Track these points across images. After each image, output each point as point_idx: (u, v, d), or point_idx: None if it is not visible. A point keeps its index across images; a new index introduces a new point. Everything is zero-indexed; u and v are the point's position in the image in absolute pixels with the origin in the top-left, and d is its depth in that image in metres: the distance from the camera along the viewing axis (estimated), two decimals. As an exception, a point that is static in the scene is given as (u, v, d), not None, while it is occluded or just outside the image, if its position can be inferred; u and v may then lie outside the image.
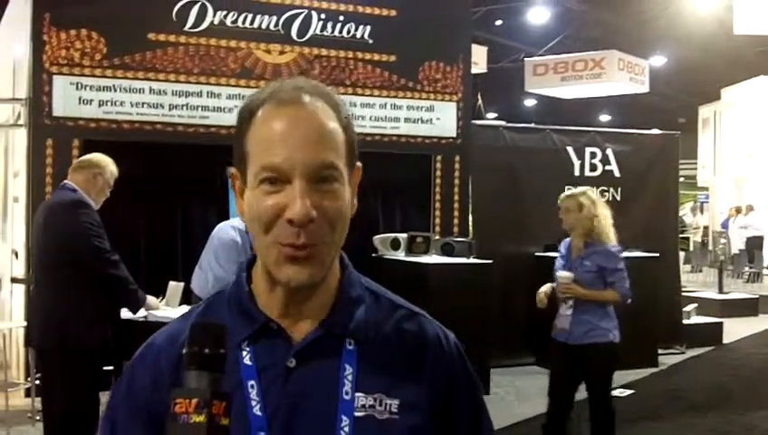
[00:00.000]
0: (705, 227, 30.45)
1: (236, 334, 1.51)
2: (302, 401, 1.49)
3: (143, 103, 9.30)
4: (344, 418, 1.49)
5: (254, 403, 1.48)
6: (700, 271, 24.68)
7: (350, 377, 1.52)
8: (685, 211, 26.96)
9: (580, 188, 7.20)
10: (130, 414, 1.53)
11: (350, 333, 1.55)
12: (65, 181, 6.15)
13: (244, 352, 1.52)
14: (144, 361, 1.57)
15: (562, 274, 6.77)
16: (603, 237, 6.80)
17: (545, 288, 7.04)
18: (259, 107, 1.51)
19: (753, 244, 23.46)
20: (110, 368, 6.44)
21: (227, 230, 7.27)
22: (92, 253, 5.85)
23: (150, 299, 6.44)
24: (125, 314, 6.40)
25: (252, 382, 1.50)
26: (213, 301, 1.64)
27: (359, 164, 1.60)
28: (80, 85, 9.04)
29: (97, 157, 6.23)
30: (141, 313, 6.52)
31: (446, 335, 1.67)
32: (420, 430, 1.54)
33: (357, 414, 1.50)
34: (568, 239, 7.12)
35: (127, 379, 1.58)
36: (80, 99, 9.04)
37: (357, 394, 1.51)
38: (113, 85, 9.17)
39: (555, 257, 6.75)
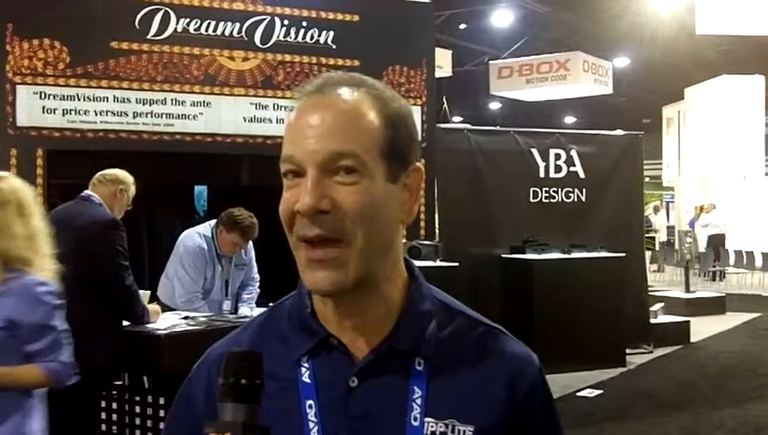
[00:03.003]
0: (670, 227, 30.65)
1: (296, 349, 1.44)
2: (364, 424, 1.38)
3: (107, 112, 9.25)
4: None
5: (311, 425, 1.39)
6: (663, 271, 24.85)
7: (418, 401, 1.40)
8: (648, 211, 27.13)
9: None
10: (189, 431, 1.45)
11: (419, 351, 1.43)
12: (90, 193, 5.97)
13: (303, 369, 1.43)
14: (199, 375, 1.50)
15: None
16: (25, 264, 3.80)
17: None
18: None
19: (716, 241, 23.68)
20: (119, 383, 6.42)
21: (193, 237, 7.25)
22: (119, 284, 5.77)
23: (151, 312, 6.32)
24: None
25: (310, 402, 1.40)
26: (272, 313, 1.55)
27: (418, 165, 1.52)
28: (43, 95, 8.99)
29: (122, 173, 6.15)
30: None
31: (531, 357, 1.55)
32: None
33: None
34: None
35: (184, 394, 1.53)
36: (43, 108, 8.99)
37: (426, 419, 1.39)
38: (77, 94, 9.13)
39: (523, 259, 6.47)
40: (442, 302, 1.52)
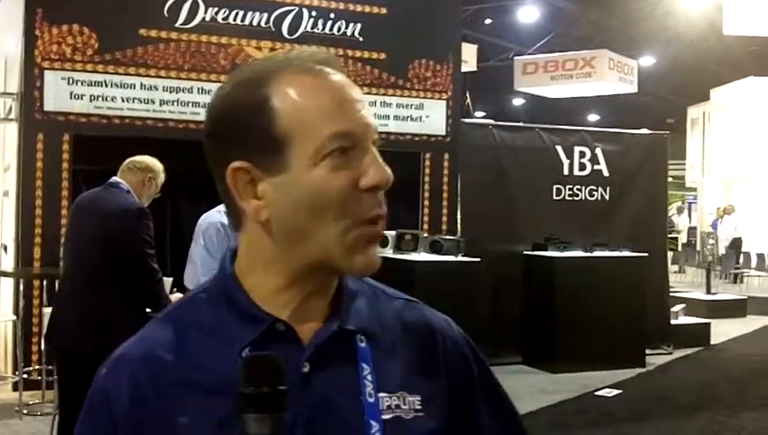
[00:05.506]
0: (692, 228, 30.53)
1: (236, 340, 1.32)
2: (322, 409, 1.31)
3: (134, 99, 9.31)
4: (373, 423, 1.33)
5: None
6: (684, 272, 24.76)
7: (369, 377, 1.36)
8: (672, 211, 27.02)
9: None
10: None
11: (361, 328, 1.39)
12: (118, 180, 5.94)
13: None
14: (118, 379, 1.34)
15: None
16: None
17: None
18: (276, 81, 1.33)
19: (736, 244, 23.61)
20: None
21: (213, 214, 7.17)
22: (144, 272, 5.76)
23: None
24: None
25: None
26: (187, 306, 1.43)
27: None
28: (71, 80, 9.05)
29: (152, 161, 6.13)
30: None
31: (448, 321, 1.54)
32: (445, 423, 1.42)
33: (385, 417, 1.34)
34: None
35: (98, 403, 1.35)
36: (71, 94, 9.04)
37: (380, 395, 1.35)
38: (104, 80, 9.18)
39: (545, 256, 6.36)
40: (361, 280, 1.47)
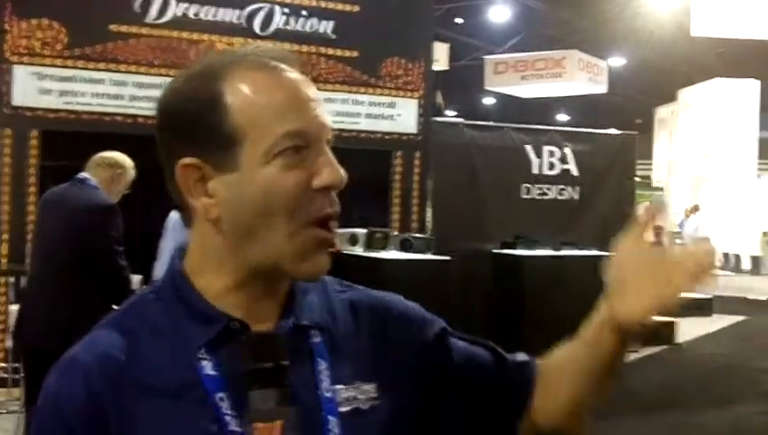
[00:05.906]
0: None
1: (190, 341, 1.30)
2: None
3: (103, 94, 9.23)
4: (330, 418, 1.32)
5: (228, 418, 1.26)
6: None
7: (325, 371, 1.35)
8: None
9: None
10: None
11: (315, 322, 1.38)
12: (86, 176, 5.88)
13: (204, 362, 1.29)
14: (70, 378, 1.30)
15: None
16: None
17: None
18: (230, 77, 1.30)
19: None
20: None
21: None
22: (112, 269, 5.71)
23: None
24: None
25: (221, 395, 1.27)
26: (134, 309, 1.40)
27: None
28: (40, 75, 8.97)
29: (121, 157, 6.08)
30: None
31: (399, 297, 1.57)
32: (405, 404, 1.43)
33: (342, 410, 1.34)
34: None
35: (51, 401, 1.30)
36: (40, 89, 8.97)
37: (337, 387, 1.35)
38: (74, 76, 9.10)
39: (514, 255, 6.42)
40: None
